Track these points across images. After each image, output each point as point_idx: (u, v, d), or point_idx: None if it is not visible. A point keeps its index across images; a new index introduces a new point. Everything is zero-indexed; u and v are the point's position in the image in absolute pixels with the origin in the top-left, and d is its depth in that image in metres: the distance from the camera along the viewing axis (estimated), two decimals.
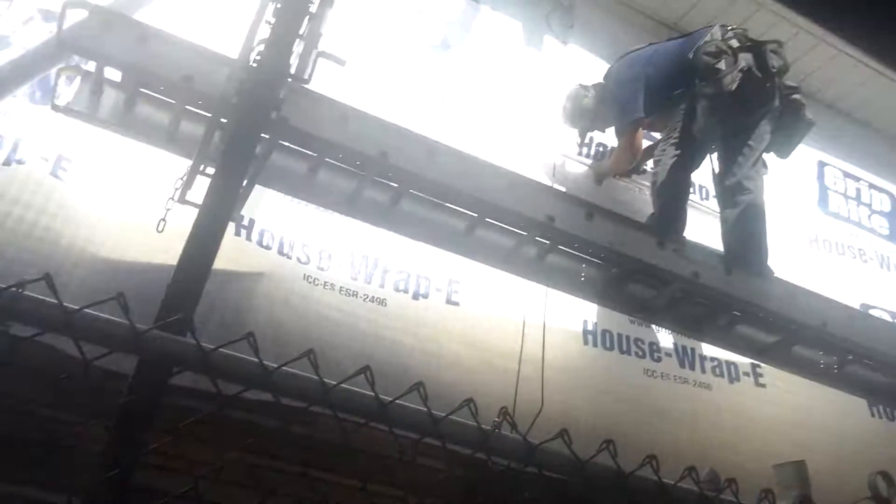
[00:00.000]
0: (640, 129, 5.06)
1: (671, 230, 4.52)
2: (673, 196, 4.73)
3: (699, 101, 4.64)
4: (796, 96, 4.80)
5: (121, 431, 2.19)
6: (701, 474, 2.21)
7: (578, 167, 5.45)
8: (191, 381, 2.51)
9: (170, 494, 2.01)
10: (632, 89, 4.95)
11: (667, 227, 4.53)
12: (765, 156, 4.88)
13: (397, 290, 4.44)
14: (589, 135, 5.48)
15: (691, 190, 5.02)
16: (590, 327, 4.93)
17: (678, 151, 4.68)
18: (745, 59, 4.55)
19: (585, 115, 5.25)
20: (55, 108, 3.33)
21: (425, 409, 1.93)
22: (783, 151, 4.94)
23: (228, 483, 2.29)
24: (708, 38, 4.71)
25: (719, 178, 4.84)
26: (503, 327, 4.57)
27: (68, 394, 2.87)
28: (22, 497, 3.02)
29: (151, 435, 2.22)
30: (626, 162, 5.19)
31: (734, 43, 4.62)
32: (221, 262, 2.81)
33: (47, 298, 1.63)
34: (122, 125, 3.44)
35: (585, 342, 4.89)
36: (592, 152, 5.58)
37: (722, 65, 4.53)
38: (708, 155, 4.91)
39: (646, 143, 5.25)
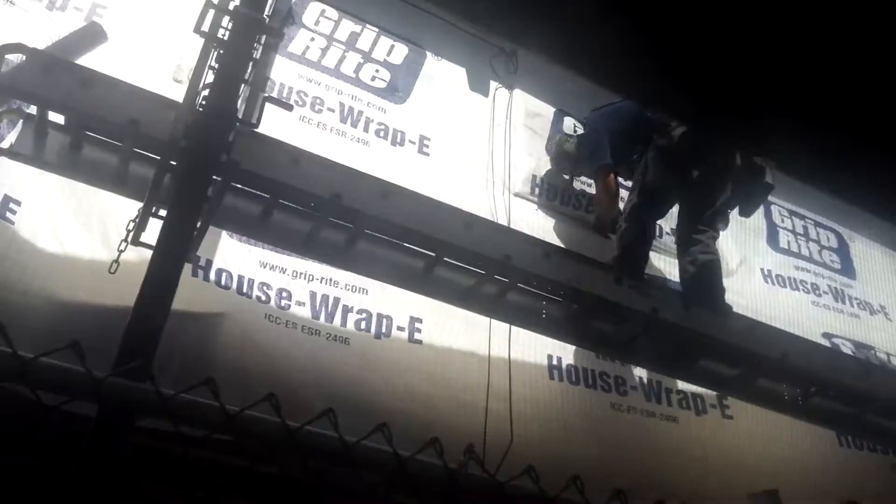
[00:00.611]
0: (612, 175, 5.36)
1: (629, 271, 4.66)
2: (632, 240, 4.96)
3: (654, 153, 4.93)
4: (757, 159, 4.95)
5: (84, 477, 2.13)
6: None
7: (530, 207, 5.53)
8: (157, 422, 2.46)
9: None
10: (599, 140, 5.33)
11: (624, 269, 4.66)
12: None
13: (359, 328, 4.41)
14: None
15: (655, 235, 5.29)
16: (555, 362, 4.93)
17: (637, 200, 4.97)
18: None
19: (567, 158, 5.57)
20: None
21: (390, 449, 1.91)
22: (745, 211, 5.22)
23: None
24: None
25: (678, 228, 5.10)
26: (468, 364, 4.56)
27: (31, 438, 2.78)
28: None
29: (116, 478, 2.16)
30: (605, 204, 5.47)
31: None
32: (180, 303, 2.77)
33: (1, 348, 1.60)
34: (69, 168, 3.38)
35: (551, 377, 4.88)
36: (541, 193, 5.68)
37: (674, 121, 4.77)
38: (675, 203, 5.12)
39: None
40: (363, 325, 4.44)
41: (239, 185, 3.49)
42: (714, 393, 5.24)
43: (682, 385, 5.23)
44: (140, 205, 3.26)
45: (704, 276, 4.77)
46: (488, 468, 2.05)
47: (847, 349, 6.03)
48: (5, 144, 3.29)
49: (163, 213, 2.98)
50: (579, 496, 2.04)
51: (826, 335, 6.01)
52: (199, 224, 3.06)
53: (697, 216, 4.88)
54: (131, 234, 3.21)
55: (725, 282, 5.08)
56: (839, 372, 4.74)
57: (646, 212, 4.99)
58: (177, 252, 2.73)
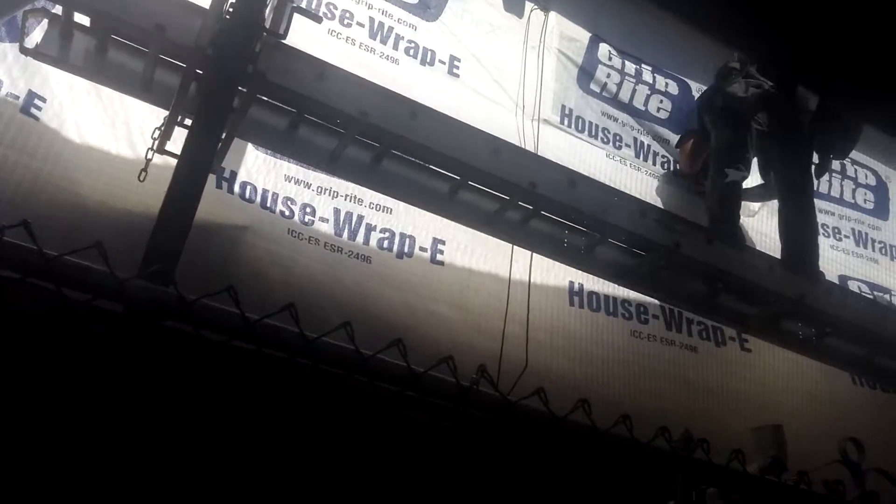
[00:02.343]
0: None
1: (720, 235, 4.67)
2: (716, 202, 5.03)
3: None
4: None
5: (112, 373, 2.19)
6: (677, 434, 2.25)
7: (558, 134, 5.44)
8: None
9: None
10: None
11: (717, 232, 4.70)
12: None
13: (382, 247, 4.44)
14: None
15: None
16: (576, 288, 4.93)
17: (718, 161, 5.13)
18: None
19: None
20: (24, 51, 3.25)
21: (404, 363, 1.94)
22: (839, 154, 5.45)
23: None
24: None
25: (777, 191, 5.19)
26: (488, 288, 4.58)
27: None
28: None
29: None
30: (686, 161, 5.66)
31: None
32: (203, 214, 2.80)
33: (26, 244, 1.63)
34: (95, 72, 3.36)
35: (571, 303, 4.89)
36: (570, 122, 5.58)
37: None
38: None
39: None
40: (385, 244, 4.46)
41: (265, 98, 3.48)
42: None
43: None
44: (166, 113, 3.27)
45: (799, 239, 4.85)
46: (502, 390, 2.09)
47: (864, 291, 5.98)
48: (31, 44, 3.27)
49: (188, 122, 2.99)
50: (586, 419, 2.09)
51: (843, 277, 5.97)
52: (223, 135, 3.08)
53: (789, 173, 4.92)
54: (157, 142, 3.23)
55: (748, 222, 5.05)
56: (855, 315, 4.73)
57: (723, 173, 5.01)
58: (201, 162, 2.75)
